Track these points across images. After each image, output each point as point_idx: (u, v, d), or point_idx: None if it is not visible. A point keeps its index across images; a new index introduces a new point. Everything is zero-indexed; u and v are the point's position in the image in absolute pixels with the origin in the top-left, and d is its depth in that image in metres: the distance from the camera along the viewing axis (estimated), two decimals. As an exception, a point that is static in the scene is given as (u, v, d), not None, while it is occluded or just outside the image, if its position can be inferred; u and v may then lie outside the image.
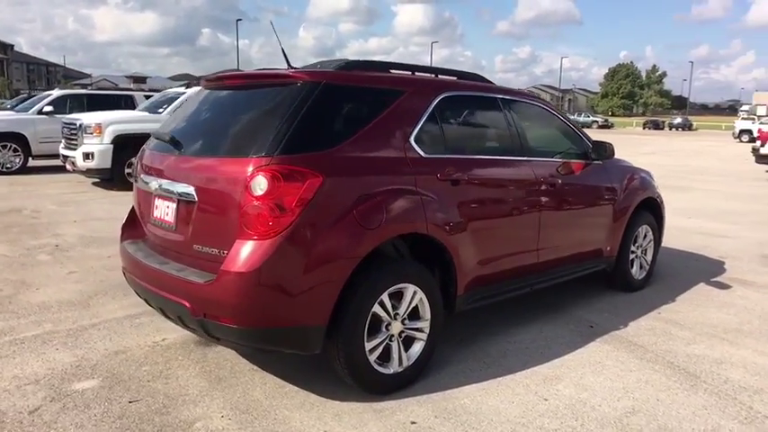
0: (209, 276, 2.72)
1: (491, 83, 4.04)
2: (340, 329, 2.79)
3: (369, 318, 2.88)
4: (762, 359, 3.61)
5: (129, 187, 10.57)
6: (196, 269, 2.84)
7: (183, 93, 11.31)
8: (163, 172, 3.07)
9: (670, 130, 57.39)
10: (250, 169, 2.63)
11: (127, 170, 10.36)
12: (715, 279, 5.41)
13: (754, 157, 17.25)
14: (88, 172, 10.33)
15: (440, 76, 3.65)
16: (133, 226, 3.56)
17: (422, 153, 3.16)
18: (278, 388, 3.12)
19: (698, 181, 13.93)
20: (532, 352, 3.65)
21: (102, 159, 10.04)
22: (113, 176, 10.25)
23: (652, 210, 5.07)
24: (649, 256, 5.13)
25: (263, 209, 2.59)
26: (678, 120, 59.71)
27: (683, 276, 5.46)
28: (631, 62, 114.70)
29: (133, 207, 3.60)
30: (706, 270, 5.73)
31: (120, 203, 9.00)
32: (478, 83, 3.87)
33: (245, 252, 2.60)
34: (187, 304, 2.75)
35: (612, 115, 72.24)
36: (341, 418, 2.82)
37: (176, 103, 10.42)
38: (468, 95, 3.65)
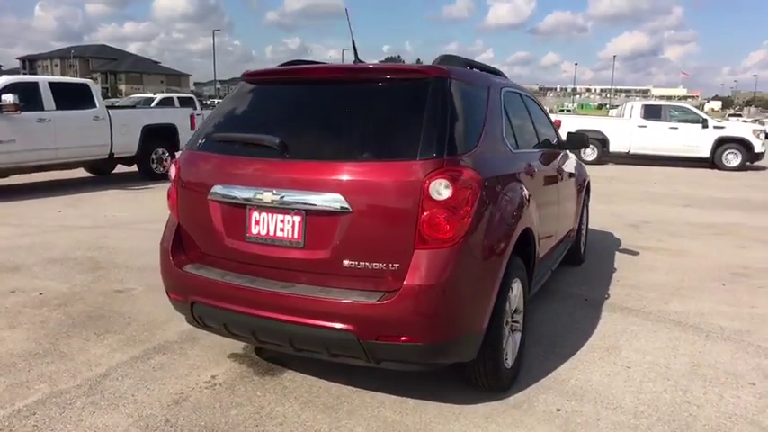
0: (377, 294, 2.46)
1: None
2: (489, 331, 2.75)
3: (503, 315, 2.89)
4: (724, 307, 4.47)
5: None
6: (349, 288, 2.53)
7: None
8: (273, 180, 2.64)
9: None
10: (425, 173, 2.44)
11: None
12: (621, 248, 6.41)
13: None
14: None
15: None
16: (181, 247, 2.98)
17: (511, 148, 3.24)
18: (401, 404, 2.94)
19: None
20: (571, 329, 3.98)
21: None
22: None
23: (587, 192, 5.80)
24: (584, 233, 5.87)
25: (446, 214, 2.43)
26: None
27: (597, 248, 6.34)
28: (398, 56, 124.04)
29: (178, 225, 3.00)
30: (606, 240, 6.76)
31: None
32: (505, 78, 4.03)
33: (431, 262, 2.42)
34: (351, 328, 2.45)
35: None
36: (495, 420, 2.80)
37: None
38: (511, 91, 3.78)
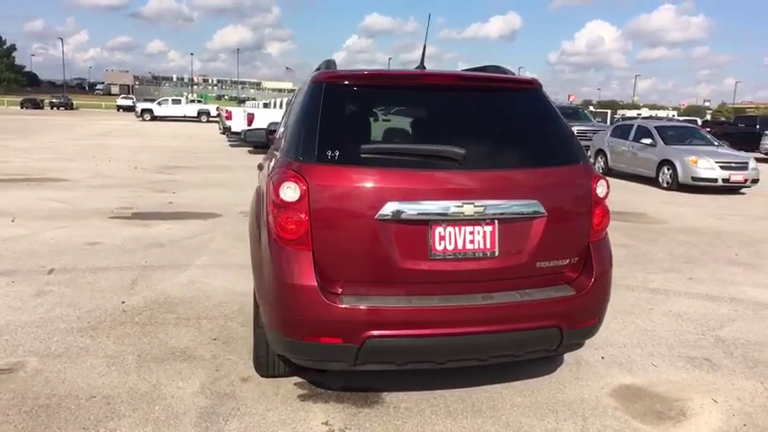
0: (565, 287, 2.72)
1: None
2: None
3: None
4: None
5: None
6: (541, 287, 2.69)
7: None
8: (469, 192, 2.53)
9: (51, 109, 55.14)
10: (591, 174, 2.81)
11: None
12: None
13: (224, 134, 20.34)
14: None
15: None
16: (321, 280, 2.51)
17: None
18: (511, 389, 3.17)
19: (210, 158, 15.60)
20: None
21: None
22: None
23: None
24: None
25: (604, 209, 2.83)
26: (58, 99, 57.83)
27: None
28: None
29: (312, 254, 2.49)
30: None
31: None
32: None
33: (603, 250, 2.83)
34: (556, 323, 2.65)
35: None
36: (585, 378, 3.34)
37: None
38: None
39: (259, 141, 5.20)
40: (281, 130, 4.73)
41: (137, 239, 6.29)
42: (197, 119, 39.69)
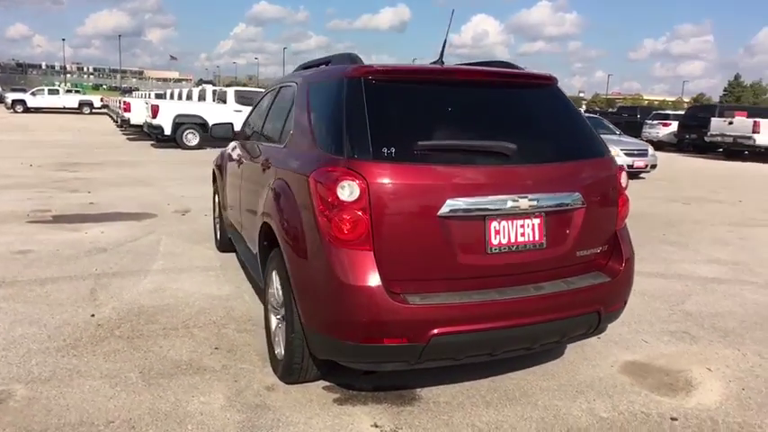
0: (599, 273, 2.86)
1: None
2: None
3: None
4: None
5: None
6: (579, 274, 2.80)
7: None
8: (522, 187, 2.57)
9: None
10: (616, 165, 2.94)
11: None
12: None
13: (121, 126, 18.94)
14: None
15: None
16: (384, 280, 2.44)
17: None
18: (532, 374, 3.29)
19: (109, 155, 14.56)
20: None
21: None
22: None
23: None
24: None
25: (625, 198, 3.00)
26: None
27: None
28: None
29: (366, 255, 2.41)
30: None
31: None
32: None
33: (627, 237, 2.99)
34: (596, 308, 2.78)
35: None
36: (593, 359, 3.53)
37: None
38: None
39: (226, 136, 5.02)
40: (252, 126, 4.54)
41: (73, 245, 5.73)
42: (78, 111, 36.63)
